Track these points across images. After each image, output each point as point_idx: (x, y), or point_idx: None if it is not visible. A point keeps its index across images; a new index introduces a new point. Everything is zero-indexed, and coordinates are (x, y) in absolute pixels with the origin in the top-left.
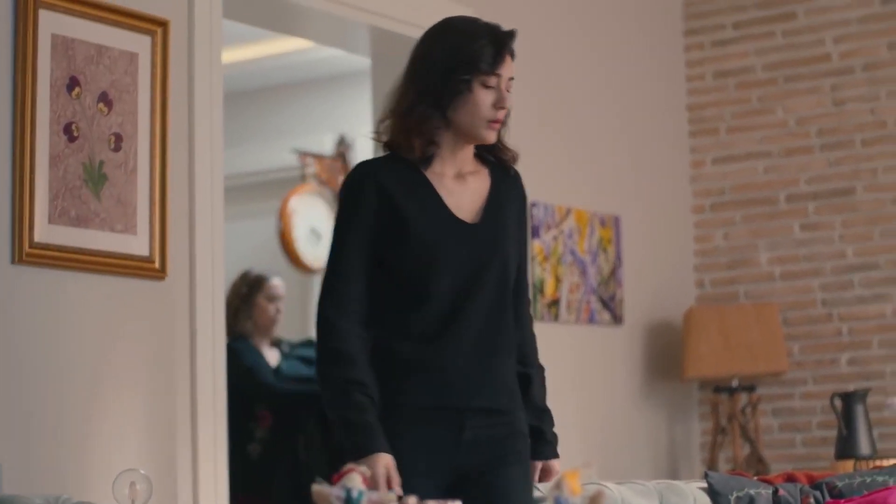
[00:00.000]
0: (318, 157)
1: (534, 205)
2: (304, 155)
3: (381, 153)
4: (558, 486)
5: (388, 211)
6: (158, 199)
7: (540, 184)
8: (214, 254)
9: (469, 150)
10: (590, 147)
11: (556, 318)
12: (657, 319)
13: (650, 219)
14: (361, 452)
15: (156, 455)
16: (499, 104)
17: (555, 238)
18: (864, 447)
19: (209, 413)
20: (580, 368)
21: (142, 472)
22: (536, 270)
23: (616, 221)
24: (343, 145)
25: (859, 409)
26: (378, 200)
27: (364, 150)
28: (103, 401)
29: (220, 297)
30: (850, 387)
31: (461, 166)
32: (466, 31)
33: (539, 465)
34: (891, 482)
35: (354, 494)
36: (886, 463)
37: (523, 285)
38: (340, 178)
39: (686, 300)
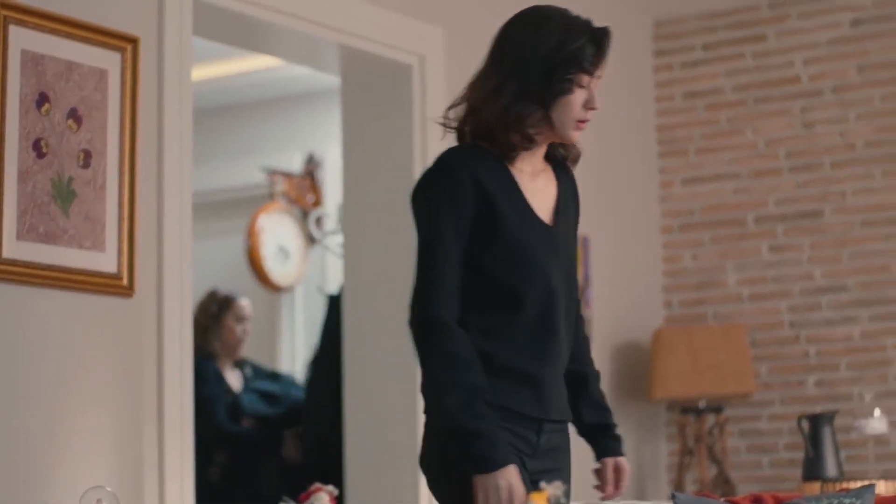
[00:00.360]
0: (287, 176)
1: None
2: (272, 173)
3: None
4: None
5: (486, 207)
6: (127, 216)
7: None
8: (183, 271)
9: (545, 148)
10: None
11: None
12: (625, 340)
13: (619, 239)
14: (488, 465)
15: (123, 473)
16: (589, 104)
17: None
18: (830, 469)
19: (176, 431)
20: None
21: (108, 489)
22: None
23: (585, 241)
24: (312, 163)
25: (826, 431)
26: (476, 193)
27: (333, 168)
28: (70, 418)
29: (187, 314)
30: (818, 408)
31: (536, 164)
32: (567, 27)
33: (611, 462)
34: None
35: None
36: (853, 485)
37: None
38: (309, 197)
39: (654, 321)
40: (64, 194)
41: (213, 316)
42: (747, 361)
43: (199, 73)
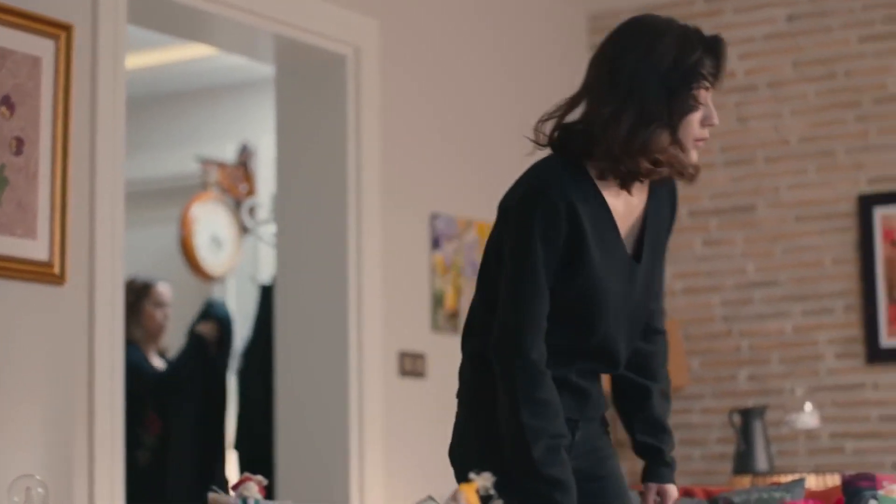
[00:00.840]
0: (221, 165)
1: (435, 216)
2: (206, 162)
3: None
4: (455, 497)
5: (576, 237)
6: (59, 205)
7: (441, 196)
8: (114, 260)
9: None
10: (491, 159)
11: (456, 329)
12: None
13: None
14: None
15: (52, 462)
16: (708, 121)
17: (455, 250)
18: (761, 463)
19: (106, 419)
20: None
21: (37, 477)
22: (437, 282)
23: None
24: (245, 153)
25: (757, 425)
26: (569, 221)
27: (267, 158)
28: None
29: (119, 303)
30: (749, 403)
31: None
32: (681, 40)
33: (654, 487)
34: (787, 498)
35: (251, 503)
36: (784, 479)
37: (660, 296)
38: (242, 186)
39: None
40: None
41: (131, 304)
42: (680, 355)
43: (134, 61)
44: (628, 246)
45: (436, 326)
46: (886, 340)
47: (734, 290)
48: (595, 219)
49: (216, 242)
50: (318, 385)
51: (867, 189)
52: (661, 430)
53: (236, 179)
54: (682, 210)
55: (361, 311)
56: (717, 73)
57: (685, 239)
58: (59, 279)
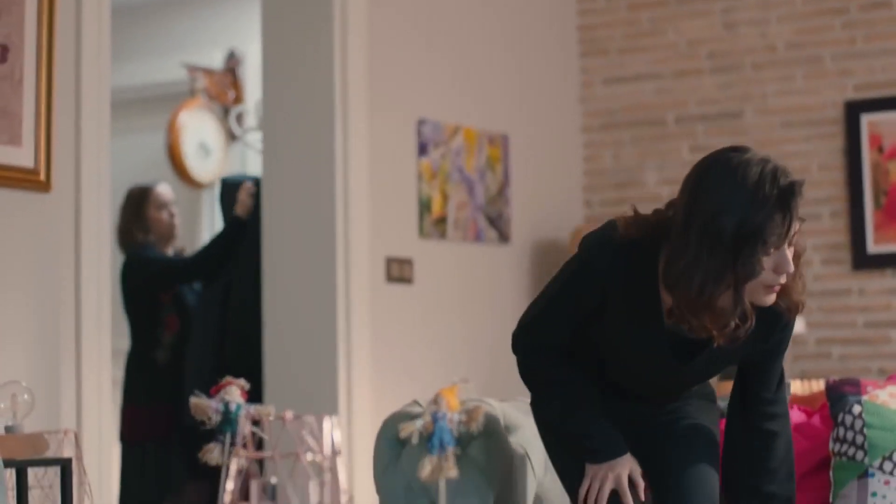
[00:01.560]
0: (208, 72)
1: (422, 122)
2: (193, 69)
3: None
4: (436, 401)
5: (605, 310)
6: (44, 111)
7: (428, 101)
8: (100, 167)
9: None
10: (479, 65)
11: (443, 235)
12: (544, 238)
13: (539, 138)
14: (598, 458)
15: (39, 368)
16: (780, 269)
17: (443, 156)
18: None
19: (93, 326)
20: (467, 286)
21: (23, 384)
22: (424, 188)
23: (504, 140)
24: (233, 60)
25: None
26: (602, 299)
27: (254, 65)
28: None
29: (105, 210)
30: None
31: None
32: (754, 194)
33: None
34: None
35: (233, 407)
36: None
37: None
38: (230, 93)
39: (574, 220)
40: None
41: (134, 213)
42: None
43: None
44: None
45: (423, 232)
46: (873, 246)
47: None
48: (636, 304)
49: (204, 149)
50: (305, 291)
51: (854, 95)
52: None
53: (224, 86)
54: (669, 116)
55: (348, 217)
56: (784, 232)
57: (672, 145)
58: (44, 186)
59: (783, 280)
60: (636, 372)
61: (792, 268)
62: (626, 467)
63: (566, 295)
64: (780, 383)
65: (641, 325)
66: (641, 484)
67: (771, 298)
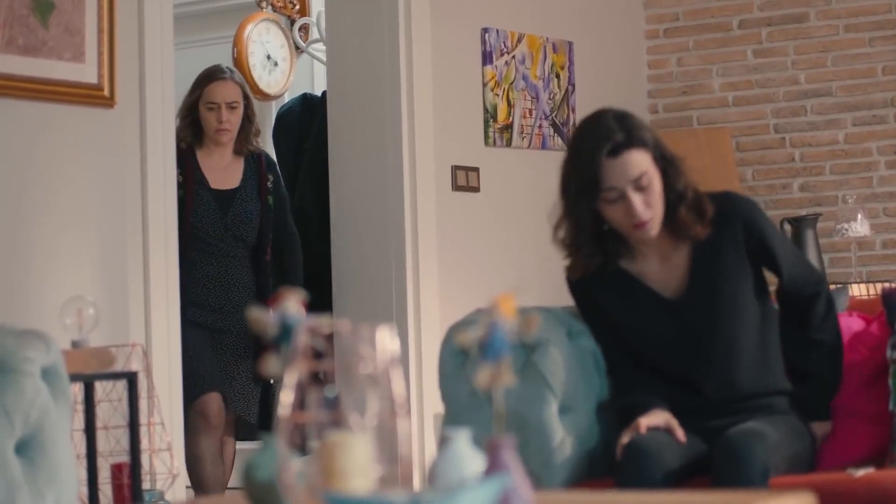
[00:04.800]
0: None
1: (486, 30)
2: None
3: None
4: (492, 310)
5: (604, 315)
6: (107, 28)
7: (492, 9)
8: (164, 82)
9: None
10: None
11: (508, 143)
12: None
13: (603, 45)
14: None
15: (107, 283)
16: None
17: (507, 64)
18: None
19: (161, 240)
20: (533, 194)
21: (89, 298)
22: (489, 96)
23: (569, 47)
24: None
25: (809, 234)
26: (597, 308)
27: None
28: (52, 229)
29: (170, 124)
30: (802, 212)
31: (663, 238)
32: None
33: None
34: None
35: (291, 321)
36: (834, 288)
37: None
38: (295, 5)
39: None
40: (42, 6)
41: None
42: (731, 165)
43: None
44: (670, 290)
45: (488, 140)
46: None
47: (786, 99)
48: (614, 290)
49: (271, 61)
50: (372, 202)
51: None
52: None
53: None
54: (733, 20)
55: (414, 126)
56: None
57: (736, 49)
58: (109, 101)
59: (638, 219)
60: (668, 343)
61: (638, 211)
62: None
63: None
64: (806, 265)
65: (624, 298)
66: (679, 430)
67: (642, 235)
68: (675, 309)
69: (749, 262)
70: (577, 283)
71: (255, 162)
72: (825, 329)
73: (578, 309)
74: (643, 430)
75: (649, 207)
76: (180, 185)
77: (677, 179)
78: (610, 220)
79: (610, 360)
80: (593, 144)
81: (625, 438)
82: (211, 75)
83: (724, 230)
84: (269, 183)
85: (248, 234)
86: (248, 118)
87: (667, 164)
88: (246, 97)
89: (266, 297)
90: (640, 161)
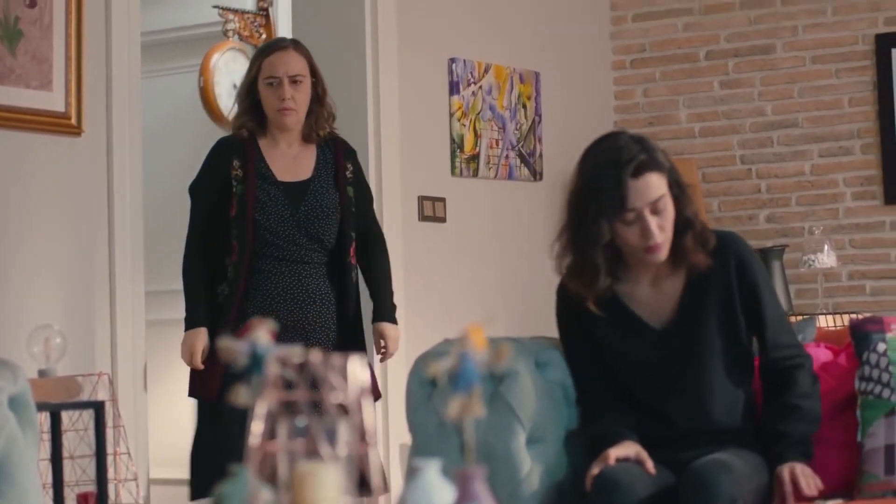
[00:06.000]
0: (239, 13)
1: (453, 60)
2: (225, 10)
3: None
4: (463, 340)
5: (589, 335)
6: (74, 56)
7: (459, 39)
8: (131, 110)
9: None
10: (509, 2)
11: (475, 173)
12: None
13: (570, 75)
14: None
15: (73, 312)
16: (645, 235)
17: (474, 94)
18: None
19: (127, 269)
20: (499, 224)
21: (56, 327)
22: (456, 126)
23: (535, 77)
24: (264, 0)
25: (776, 266)
26: (581, 328)
27: (285, 5)
28: (17, 257)
29: (137, 152)
30: (768, 243)
31: (661, 266)
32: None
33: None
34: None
35: (260, 349)
36: (800, 319)
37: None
38: (262, 34)
39: None
40: (10, 34)
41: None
42: (698, 196)
43: None
44: (658, 319)
45: (455, 171)
46: None
47: (752, 130)
48: (605, 312)
49: (237, 90)
50: None
51: (885, 29)
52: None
53: (255, 27)
54: (700, 51)
55: (380, 156)
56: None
57: (703, 80)
58: (76, 130)
59: (653, 241)
60: (646, 370)
61: (653, 234)
62: (635, 447)
63: (568, 350)
64: (791, 331)
65: (613, 325)
66: (649, 462)
67: (653, 258)
68: (659, 337)
69: (738, 304)
70: (567, 294)
71: (330, 149)
72: (810, 396)
73: (558, 320)
74: (612, 461)
75: (663, 231)
76: (239, 181)
77: (687, 206)
78: (623, 242)
79: (581, 383)
80: (617, 165)
81: (595, 470)
82: (269, 47)
83: (720, 266)
84: (347, 172)
85: (326, 232)
86: (318, 98)
87: (679, 191)
88: (314, 72)
89: (349, 311)
90: (659, 184)
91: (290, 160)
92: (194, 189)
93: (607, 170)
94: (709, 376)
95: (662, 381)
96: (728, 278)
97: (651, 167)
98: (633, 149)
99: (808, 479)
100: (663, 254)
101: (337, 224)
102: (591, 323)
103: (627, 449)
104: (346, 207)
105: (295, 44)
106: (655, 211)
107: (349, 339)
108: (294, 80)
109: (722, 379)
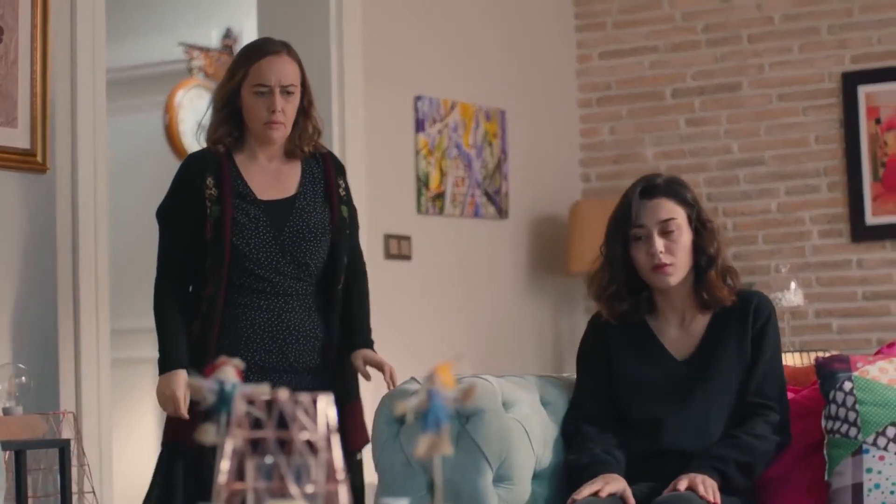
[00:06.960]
0: (205, 51)
1: (419, 98)
2: (190, 48)
3: None
4: (431, 378)
5: (609, 370)
6: (40, 93)
7: (424, 78)
8: (97, 147)
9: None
10: (474, 41)
11: (441, 211)
12: (543, 214)
13: (536, 113)
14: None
15: (38, 350)
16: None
17: (440, 132)
18: None
19: (92, 307)
20: (465, 262)
21: (20, 366)
22: (421, 164)
23: (502, 115)
24: (229, 38)
25: None
26: (604, 362)
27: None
28: None
29: (102, 190)
30: None
31: (687, 305)
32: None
33: None
34: None
35: (228, 387)
36: None
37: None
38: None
39: (572, 194)
40: None
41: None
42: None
43: None
44: (680, 352)
45: (421, 209)
46: (871, 218)
47: (718, 168)
48: (629, 344)
49: (201, 128)
50: None
51: (851, 67)
52: None
53: (221, 65)
54: (666, 89)
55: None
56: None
57: (669, 118)
58: (41, 167)
59: (658, 260)
60: (656, 396)
61: (656, 252)
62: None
63: (582, 382)
64: (779, 389)
65: (636, 355)
66: (632, 500)
67: (660, 280)
68: (676, 367)
69: (749, 341)
70: (599, 321)
71: (318, 163)
72: (757, 437)
73: (581, 345)
74: (604, 494)
75: (670, 254)
76: (214, 201)
77: (710, 244)
78: (635, 262)
79: (580, 405)
80: (635, 186)
81: (579, 495)
82: (259, 49)
83: (742, 304)
84: (340, 189)
85: (314, 255)
86: (304, 111)
87: (701, 227)
88: (304, 82)
89: (332, 350)
90: (670, 209)
91: (271, 176)
92: (163, 212)
93: (628, 192)
94: (714, 406)
95: (667, 407)
96: (746, 316)
97: (666, 193)
98: (654, 176)
99: (706, 487)
100: (671, 278)
101: (326, 247)
102: (616, 348)
103: (617, 485)
104: (340, 229)
105: (287, 47)
106: (664, 232)
107: (336, 381)
108: (286, 91)
109: (720, 409)
